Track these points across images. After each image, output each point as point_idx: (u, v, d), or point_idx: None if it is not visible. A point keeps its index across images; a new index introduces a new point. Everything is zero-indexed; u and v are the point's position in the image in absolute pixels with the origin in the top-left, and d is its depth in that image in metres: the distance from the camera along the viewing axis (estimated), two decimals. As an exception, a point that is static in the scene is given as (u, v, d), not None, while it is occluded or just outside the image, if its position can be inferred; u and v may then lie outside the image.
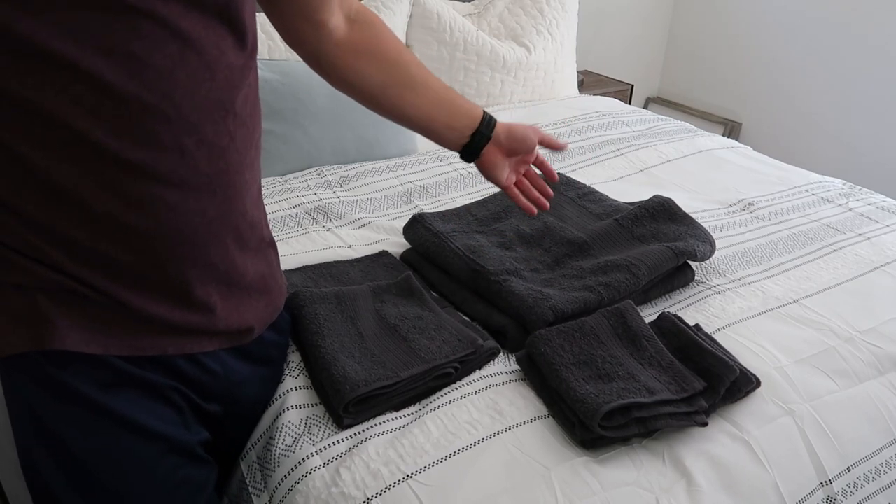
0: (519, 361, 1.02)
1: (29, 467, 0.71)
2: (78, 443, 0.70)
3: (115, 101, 0.60)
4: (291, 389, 0.97)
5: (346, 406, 0.90)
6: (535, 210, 1.06)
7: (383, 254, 1.29)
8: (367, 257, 1.27)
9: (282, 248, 1.31)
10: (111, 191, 0.63)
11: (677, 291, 1.23)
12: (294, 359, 1.02)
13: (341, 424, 0.91)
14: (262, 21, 1.81)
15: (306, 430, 0.91)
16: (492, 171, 1.03)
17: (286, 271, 1.16)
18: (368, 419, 0.92)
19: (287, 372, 1.00)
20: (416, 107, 0.97)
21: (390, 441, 0.89)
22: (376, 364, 0.95)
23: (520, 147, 1.02)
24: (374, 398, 0.92)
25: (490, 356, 1.04)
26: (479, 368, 1.02)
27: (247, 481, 0.92)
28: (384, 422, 0.92)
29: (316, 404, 0.95)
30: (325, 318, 1.02)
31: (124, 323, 0.70)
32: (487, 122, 1.00)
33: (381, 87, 0.94)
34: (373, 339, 1.01)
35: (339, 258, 1.27)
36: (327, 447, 0.89)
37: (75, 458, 0.70)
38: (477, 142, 1.00)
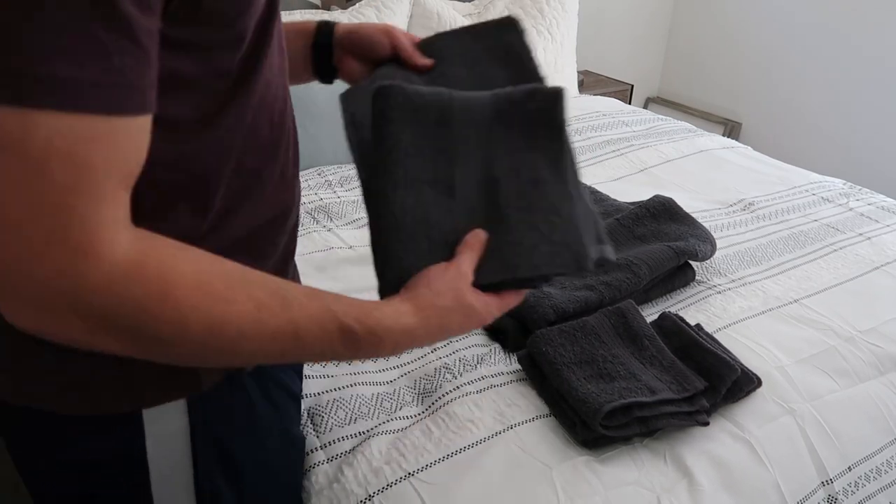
0: (520, 361, 1.02)
1: (207, 493, 0.71)
2: (250, 457, 0.73)
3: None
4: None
5: (384, 287, 0.66)
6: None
7: (511, 23, 0.81)
8: (483, 26, 0.82)
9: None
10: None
11: (678, 291, 1.23)
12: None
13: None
14: (263, 21, 1.82)
15: (309, 421, 0.92)
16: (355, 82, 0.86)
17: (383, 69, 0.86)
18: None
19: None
20: None
21: (392, 440, 0.89)
22: (450, 248, 0.65)
23: (368, 51, 0.83)
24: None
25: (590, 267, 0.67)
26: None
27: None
28: (387, 421, 0.92)
29: (318, 394, 0.95)
30: (409, 145, 0.67)
31: None
32: (323, 30, 0.84)
33: None
34: (463, 200, 0.67)
35: (339, 259, 1.27)
36: (331, 443, 0.89)
37: (244, 472, 0.73)
38: (319, 55, 0.84)
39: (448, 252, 0.65)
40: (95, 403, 0.62)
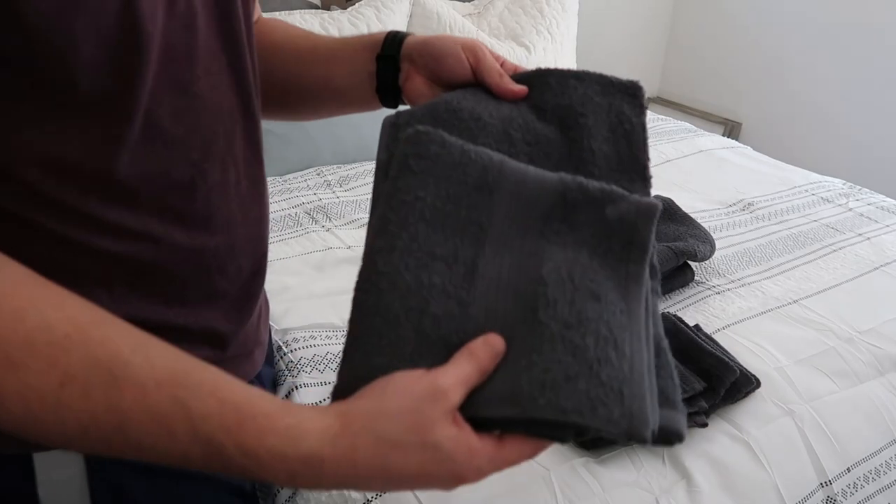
0: (519, 362, 1.02)
1: None
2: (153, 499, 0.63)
3: None
4: (294, 389, 0.97)
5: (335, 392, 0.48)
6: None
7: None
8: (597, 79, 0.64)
9: (281, 249, 1.31)
10: None
11: (677, 291, 1.23)
12: (293, 358, 1.02)
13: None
14: (262, 21, 1.82)
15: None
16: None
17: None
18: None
19: (287, 373, 0.99)
20: (308, 75, 0.71)
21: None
22: (447, 349, 0.46)
23: (441, 69, 0.64)
24: None
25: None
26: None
27: (256, 485, 0.92)
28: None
29: (318, 403, 0.95)
30: (422, 210, 0.49)
31: None
32: (391, 42, 0.67)
33: (267, 74, 0.68)
34: (485, 289, 0.48)
35: (338, 259, 1.27)
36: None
37: None
38: (384, 72, 0.67)
39: (443, 359, 0.45)
40: None
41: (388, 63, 0.67)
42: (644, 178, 0.58)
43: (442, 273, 0.48)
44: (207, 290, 0.59)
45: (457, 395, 0.43)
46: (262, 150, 0.64)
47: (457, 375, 0.43)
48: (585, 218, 0.50)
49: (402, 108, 0.63)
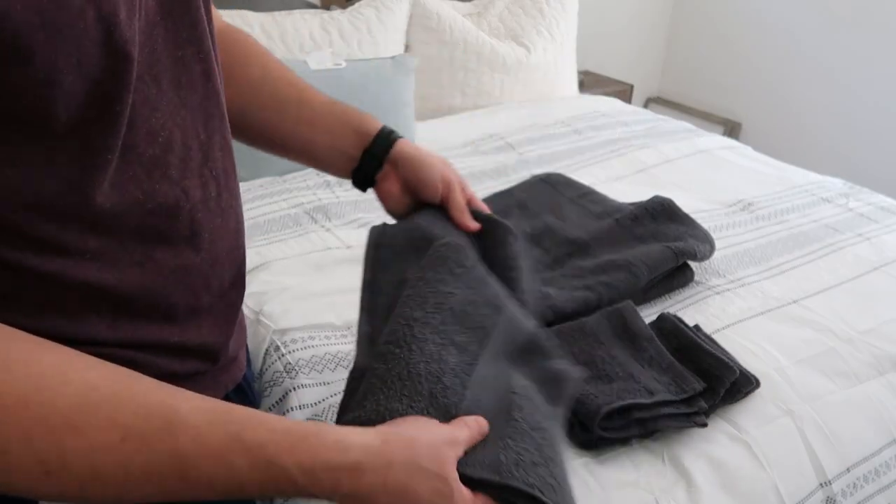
0: (518, 362, 1.02)
1: None
2: None
3: None
4: (291, 390, 0.97)
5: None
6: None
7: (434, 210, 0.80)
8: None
9: (280, 249, 1.31)
10: None
11: (677, 292, 1.23)
12: (291, 359, 1.02)
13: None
14: (262, 21, 1.82)
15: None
16: (389, 205, 0.81)
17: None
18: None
19: (285, 374, 0.99)
20: (287, 132, 0.75)
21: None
22: (438, 413, 0.57)
23: (419, 189, 0.77)
24: None
25: None
26: None
27: None
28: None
29: (316, 403, 0.95)
30: (449, 300, 0.64)
31: None
32: (384, 140, 0.76)
33: (239, 111, 0.70)
34: (476, 384, 0.61)
35: (337, 259, 1.27)
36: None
37: None
38: (367, 166, 0.77)
39: (443, 421, 0.55)
40: None
41: (373, 160, 0.76)
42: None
43: (455, 356, 0.60)
44: (194, 307, 0.59)
45: (462, 449, 0.52)
46: (234, 156, 0.63)
47: (463, 434, 0.53)
48: (540, 373, 0.66)
49: (387, 221, 0.79)
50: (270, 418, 0.46)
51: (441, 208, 0.78)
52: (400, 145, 0.76)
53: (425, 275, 0.66)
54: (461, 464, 0.53)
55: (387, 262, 0.72)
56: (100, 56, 0.43)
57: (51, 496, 0.41)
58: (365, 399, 0.56)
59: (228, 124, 0.61)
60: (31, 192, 0.45)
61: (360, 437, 0.47)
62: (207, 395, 0.47)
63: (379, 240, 0.75)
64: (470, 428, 0.55)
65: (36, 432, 0.38)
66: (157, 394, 0.43)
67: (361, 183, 0.79)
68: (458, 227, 0.77)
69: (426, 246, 0.70)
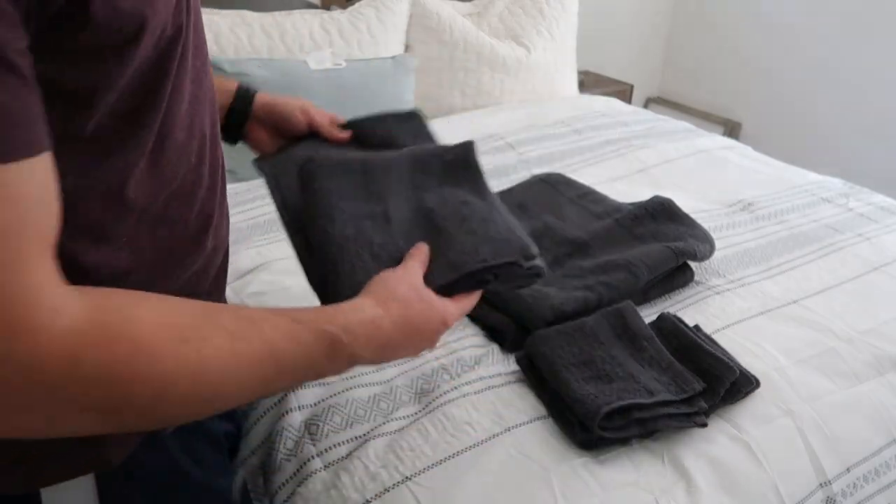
0: (518, 362, 1.02)
1: None
2: None
3: None
4: (290, 391, 0.96)
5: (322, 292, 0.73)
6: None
7: (410, 114, 1.00)
8: (392, 116, 0.99)
9: (280, 250, 1.30)
10: None
11: (677, 292, 1.23)
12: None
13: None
14: (262, 21, 1.82)
15: (306, 433, 0.91)
16: (262, 151, 0.89)
17: (295, 141, 0.94)
18: None
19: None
20: None
21: (389, 442, 0.89)
22: (395, 263, 0.70)
23: (283, 126, 0.88)
24: None
25: (534, 276, 0.77)
26: (520, 287, 0.91)
27: (248, 486, 0.92)
28: (384, 423, 0.92)
29: (314, 404, 0.95)
30: (339, 193, 0.76)
31: None
32: (243, 97, 0.86)
33: None
34: (401, 224, 0.76)
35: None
36: (328, 449, 0.88)
37: None
38: (233, 119, 0.86)
39: (394, 266, 0.69)
40: None
41: (240, 115, 0.86)
42: (433, 140, 0.91)
43: (368, 223, 0.74)
44: (199, 294, 0.61)
45: (420, 271, 0.67)
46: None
47: (415, 265, 0.67)
48: (435, 166, 0.82)
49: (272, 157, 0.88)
50: (302, 308, 0.57)
51: (312, 136, 0.89)
52: (259, 96, 0.87)
53: (315, 194, 0.77)
54: (427, 281, 0.67)
55: (288, 185, 0.82)
56: (171, 25, 0.48)
57: (190, 413, 0.50)
58: (331, 291, 0.69)
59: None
60: (107, 179, 0.49)
61: (361, 301, 0.61)
62: None
63: (268, 168, 0.85)
64: (415, 256, 0.69)
65: (179, 352, 0.45)
66: (228, 306, 0.53)
67: (232, 137, 0.87)
68: (331, 140, 0.88)
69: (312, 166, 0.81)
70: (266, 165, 0.85)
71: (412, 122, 0.95)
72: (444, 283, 0.68)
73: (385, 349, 0.61)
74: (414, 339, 0.64)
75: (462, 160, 0.83)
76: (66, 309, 0.40)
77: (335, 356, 0.56)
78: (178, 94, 0.52)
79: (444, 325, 0.66)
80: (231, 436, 0.81)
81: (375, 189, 0.78)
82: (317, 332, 0.54)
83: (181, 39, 0.50)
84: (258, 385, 0.51)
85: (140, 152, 0.50)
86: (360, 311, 0.59)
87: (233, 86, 0.86)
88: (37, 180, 0.39)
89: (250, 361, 0.49)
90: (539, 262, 0.75)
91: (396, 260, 0.70)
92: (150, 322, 0.44)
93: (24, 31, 0.38)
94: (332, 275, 0.70)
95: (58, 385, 0.40)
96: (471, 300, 0.70)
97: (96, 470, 0.58)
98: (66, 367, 0.40)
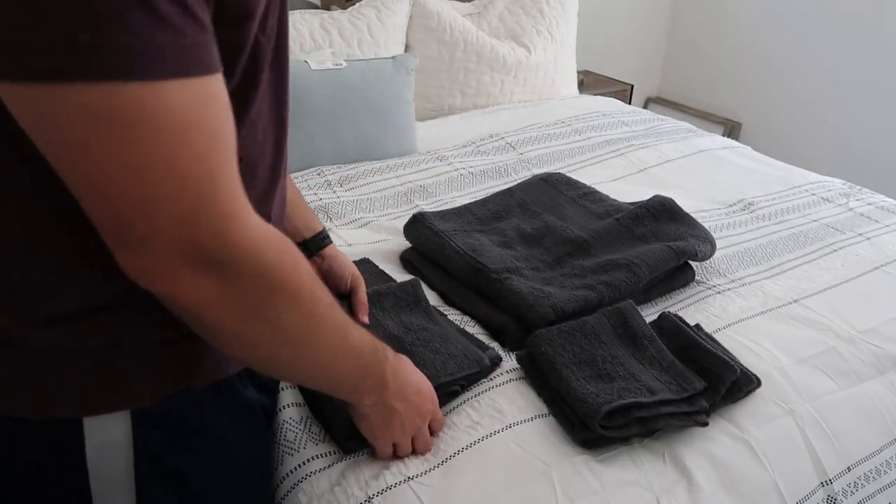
0: (519, 360, 1.02)
1: None
2: (202, 477, 0.69)
3: None
4: (286, 387, 0.97)
5: (350, 434, 0.84)
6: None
7: (364, 261, 1.22)
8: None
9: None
10: None
11: (678, 291, 1.23)
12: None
13: (346, 450, 0.87)
14: (262, 21, 1.82)
15: (307, 429, 0.91)
16: None
17: None
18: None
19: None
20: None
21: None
22: None
23: (333, 279, 1.04)
24: None
25: (493, 367, 1.00)
26: (483, 378, 0.99)
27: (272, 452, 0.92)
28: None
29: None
30: None
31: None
32: (321, 238, 1.03)
33: None
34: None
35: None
36: (331, 452, 0.88)
37: (194, 492, 0.69)
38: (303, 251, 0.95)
39: None
40: (34, 406, 0.59)
41: (307, 250, 1.01)
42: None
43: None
44: None
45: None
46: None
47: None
48: (389, 301, 1.07)
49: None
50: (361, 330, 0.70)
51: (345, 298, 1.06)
52: (330, 247, 1.04)
53: None
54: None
55: None
56: (278, 13, 0.60)
57: (281, 357, 0.61)
58: (335, 425, 0.89)
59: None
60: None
61: (386, 352, 0.75)
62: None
63: None
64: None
65: (315, 289, 0.60)
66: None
67: None
68: (357, 317, 1.03)
69: None
70: None
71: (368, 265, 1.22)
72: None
73: (400, 389, 0.76)
74: (416, 400, 0.80)
75: (412, 296, 1.09)
76: (252, 211, 0.52)
77: (375, 365, 0.71)
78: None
79: (432, 408, 0.84)
80: (266, 409, 0.83)
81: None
82: (371, 339, 0.70)
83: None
84: (329, 356, 0.65)
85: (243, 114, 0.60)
86: (395, 356, 0.77)
87: (317, 227, 1.02)
88: (223, 92, 0.49)
89: (335, 326, 0.63)
90: (492, 353, 1.01)
91: None
92: (304, 267, 0.58)
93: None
94: (326, 403, 0.88)
95: (244, 266, 0.51)
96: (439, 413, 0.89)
97: (131, 407, 0.62)
98: (252, 255, 0.52)
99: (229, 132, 0.49)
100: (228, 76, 0.53)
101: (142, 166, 0.45)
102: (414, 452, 0.85)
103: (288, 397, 0.95)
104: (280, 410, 0.93)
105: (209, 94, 0.47)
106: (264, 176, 0.66)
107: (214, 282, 0.51)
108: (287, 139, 0.72)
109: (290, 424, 0.92)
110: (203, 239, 0.49)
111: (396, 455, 0.85)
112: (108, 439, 0.62)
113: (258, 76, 0.59)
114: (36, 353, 0.57)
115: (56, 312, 0.57)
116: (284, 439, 0.90)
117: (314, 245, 1.02)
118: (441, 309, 1.13)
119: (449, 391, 0.93)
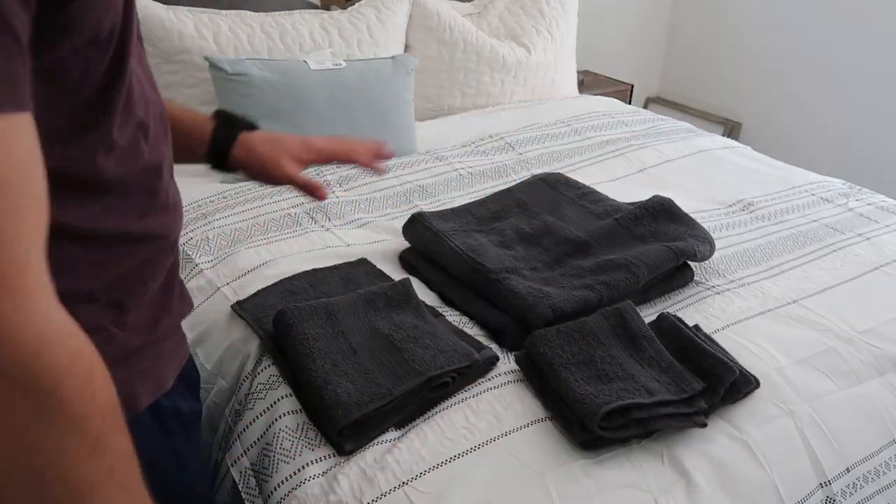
0: (518, 361, 1.02)
1: None
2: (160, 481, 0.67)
3: None
4: (284, 396, 0.96)
5: (342, 431, 0.87)
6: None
7: (362, 261, 1.25)
8: (345, 264, 1.23)
9: (280, 249, 1.31)
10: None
11: (677, 292, 1.23)
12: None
13: (341, 451, 0.88)
14: (262, 21, 1.82)
15: (303, 435, 0.91)
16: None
17: (264, 289, 1.14)
18: (371, 440, 0.89)
19: (280, 379, 0.99)
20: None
21: (387, 447, 0.89)
22: (369, 382, 0.92)
23: (265, 174, 0.89)
24: (370, 419, 0.89)
25: (488, 366, 1.01)
26: (479, 378, 1.00)
27: (240, 488, 0.92)
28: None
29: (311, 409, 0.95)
30: (314, 336, 0.98)
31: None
32: (222, 140, 0.86)
33: None
34: (366, 352, 0.98)
35: (337, 257, 1.27)
36: (326, 457, 0.88)
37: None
38: (215, 159, 0.86)
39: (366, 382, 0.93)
40: None
41: (219, 158, 0.85)
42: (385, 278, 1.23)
43: (341, 357, 0.97)
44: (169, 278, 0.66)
45: None
46: None
47: None
48: (381, 302, 1.08)
49: None
50: None
51: (278, 283, 1.11)
52: (237, 148, 0.86)
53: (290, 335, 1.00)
54: (393, 386, 0.92)
55: (269, 326, 1.06)
56: (121, 15, 0.49)
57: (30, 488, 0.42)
58: (324, 410, 0.90)
59: None
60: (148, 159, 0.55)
61: None
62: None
63: (252, 316, 1.10)
64: None
65: (114, 427, 0.44)
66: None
67: (215, 161, 0.86)
68: (370, 168, 0.94)
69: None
70: (246, 313, 1.09)
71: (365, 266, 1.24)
72: (412, 386, 0.91)
73: None
74: None
75: (404, 295, 1.09)
76: (51, 294, 0.39)
77: None
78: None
79: None
80: (198, 415, 0.81)
81: (340, 329, 1.01)
82: None
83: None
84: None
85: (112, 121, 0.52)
86: None
87: (207, 125, 0.84)
88: (30, 135, 0.39)
89: (127, 493, 0.45)
90: (487, 353, 1.01)
91: (367, 379, 0.92)
92: (108, 399, 0.43)
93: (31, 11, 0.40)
94: (318, 401, 0.90)
95: (19, 364, 0.38)
96: None
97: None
98: (33, 349, 0.38)
99: (29, 186, 0.38)
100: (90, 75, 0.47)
101: None
102: None
103: (286, 405, 0.95)
104: (277, 419, 0.93)
105: (8, 135, 0.37)
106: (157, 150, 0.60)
107: None
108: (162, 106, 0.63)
109: (286, 433, 0.91)
110: None
111: None
112: None
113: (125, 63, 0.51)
114: None
115: None
116: (280, 448, 0.90)
117: (221, 144, 0.84)
118: (440, 309, 1.13)
119: (440, 384, 0.94)
